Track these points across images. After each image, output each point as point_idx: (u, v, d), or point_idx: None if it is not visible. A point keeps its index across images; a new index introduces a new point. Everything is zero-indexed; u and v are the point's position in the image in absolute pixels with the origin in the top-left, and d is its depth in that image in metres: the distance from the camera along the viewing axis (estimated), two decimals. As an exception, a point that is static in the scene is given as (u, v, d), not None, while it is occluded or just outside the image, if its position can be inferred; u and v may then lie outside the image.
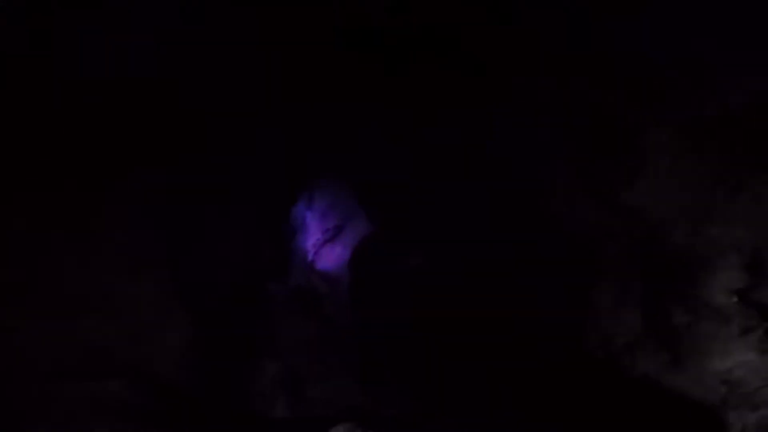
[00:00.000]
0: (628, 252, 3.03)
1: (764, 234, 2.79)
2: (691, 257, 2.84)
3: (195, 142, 4.56)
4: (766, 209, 2.69)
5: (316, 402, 4.75)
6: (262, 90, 4.87)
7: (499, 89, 3.97)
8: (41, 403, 3.29)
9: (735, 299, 2.62)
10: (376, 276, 5.99)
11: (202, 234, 4.94)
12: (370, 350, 4.75)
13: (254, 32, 4.19)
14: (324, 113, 6.17)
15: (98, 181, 3.99)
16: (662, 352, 2.79)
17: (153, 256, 4.35)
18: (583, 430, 2.96)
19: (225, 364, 5.03)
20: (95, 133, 3.81)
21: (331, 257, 8.03)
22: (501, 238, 4.20)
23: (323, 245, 8.13)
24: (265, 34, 4.25)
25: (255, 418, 4.63)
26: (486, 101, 4.14)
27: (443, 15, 3.95)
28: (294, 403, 4.85)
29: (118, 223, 4.02)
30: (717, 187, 2.90)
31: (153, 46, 3.70)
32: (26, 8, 3.20)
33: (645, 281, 2.92)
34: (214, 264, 5.18)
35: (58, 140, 3.69)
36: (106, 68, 3.52)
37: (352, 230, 8.10)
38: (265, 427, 4.23)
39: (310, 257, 7.87)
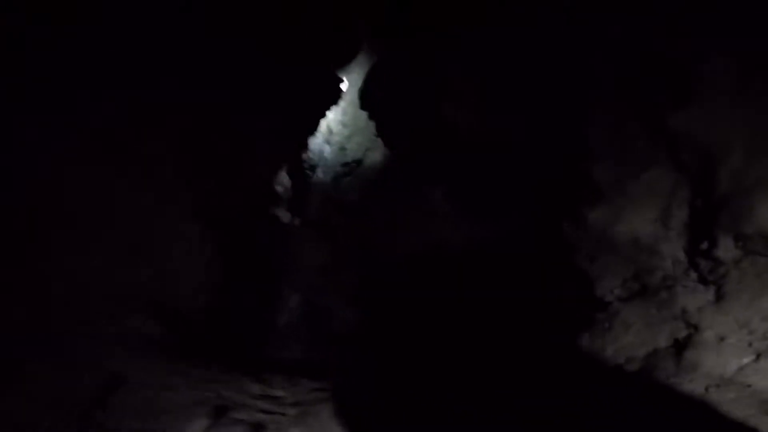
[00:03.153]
0: (672, 178, 2.62)
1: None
2: (746, 185, 2.42)
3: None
4: None
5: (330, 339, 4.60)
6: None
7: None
8: (65, 344, 3.20)
9: (793, 233, 2.23)
10: (391, 208, 5.68)
11: (223, 159, 4.60)
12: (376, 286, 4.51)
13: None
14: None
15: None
16: (705, 289, 2.46)
17: (173, 178, 4.04)
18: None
19: (247, 297, 4.95)
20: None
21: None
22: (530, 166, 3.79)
23: (343, 178, 7.84)
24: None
25: (274, 358, 4.57)
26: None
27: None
28: (311, 340, 4.74)
29: (133, 140, 3.71)
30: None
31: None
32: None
33: (691, 210, 2.53)
34: (234, 192, 4.93)
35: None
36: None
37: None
38: (281, 367, 4.13)
39: (328, 190, 7.63)
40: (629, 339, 2.72)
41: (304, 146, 6.76)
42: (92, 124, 3.57)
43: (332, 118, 8.01)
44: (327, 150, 8.12)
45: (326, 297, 4.36)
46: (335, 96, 6.29)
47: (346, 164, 7.78)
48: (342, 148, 7.93)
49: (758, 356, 2.02)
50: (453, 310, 4.36)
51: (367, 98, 6.32)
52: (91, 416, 2.54)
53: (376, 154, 7.50)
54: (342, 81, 6.44)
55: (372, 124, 6.82)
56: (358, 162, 7.77)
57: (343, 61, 6.69)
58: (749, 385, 1.98)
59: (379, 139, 7.07)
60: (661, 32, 2.84)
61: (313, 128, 6.35)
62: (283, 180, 7.37)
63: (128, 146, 3.74)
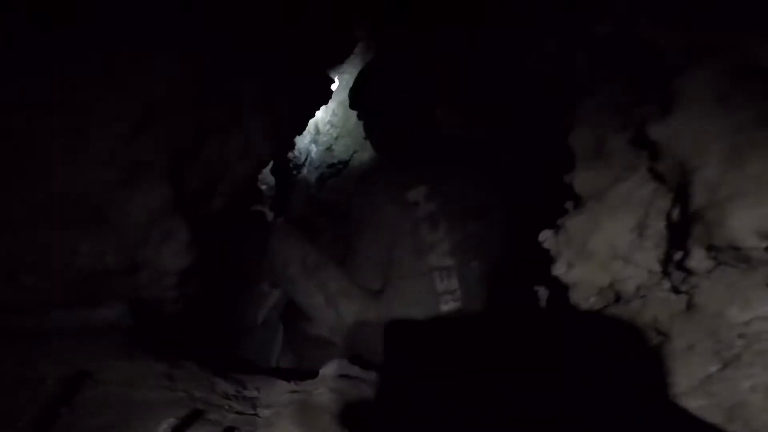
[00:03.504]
0: (650, 189, 2.66)
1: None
2: (719, 197, 2.46)
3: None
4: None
5: (314, 341, 4.57)
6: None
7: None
8: (32, 334, 3.10)
9: (765, 244, 2.26)
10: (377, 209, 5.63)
11: (207, 154, 4.51)
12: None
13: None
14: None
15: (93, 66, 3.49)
16: (677, 298, 2.49)
17: (150, 161, 3.91)
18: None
19: (226, 293, 4.86)
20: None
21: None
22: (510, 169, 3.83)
23: (328, 179, 7.82)
24: None
25: (250, 357, 4.48)
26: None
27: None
28: (290, 339, 4.69)
29: (109, 119, 3.58)
30: (762, 128, 2.50)
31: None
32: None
33: (667, 221, 2.57)
34: (217, 187, 4.85)
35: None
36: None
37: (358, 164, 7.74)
38: (257, 367, 4.04)
39: (313, 190, 7.59)
40: (603, 347, 2.74)
41: (291, 145, 6.72)
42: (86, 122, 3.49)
43: (320, 118, 8.00)
44: (313, 150, 8.10)
45: (308, 296, 4.24)
46: (325, 96, 6.28)
47: (332, 165, 7.77)
48: (329, 149, 7.91)
49: (724, 365, 2.05)
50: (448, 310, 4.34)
51: (357, 98, 6.31)
52: (54, 413, 2.47)
53: (364, 156, 7.49)
54: (333, 81, 6.43)
55: (361, 126, 6.79)
56: (345, 163, 7.76)
57: (336, 61, 6.67)
58: (714, 394, 2.01)
59: (367, 142, 7.05)
60: (647, 41, 2.88)
61: (300, 128, 6.31)
62: (267, 178, 7.31)
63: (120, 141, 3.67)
